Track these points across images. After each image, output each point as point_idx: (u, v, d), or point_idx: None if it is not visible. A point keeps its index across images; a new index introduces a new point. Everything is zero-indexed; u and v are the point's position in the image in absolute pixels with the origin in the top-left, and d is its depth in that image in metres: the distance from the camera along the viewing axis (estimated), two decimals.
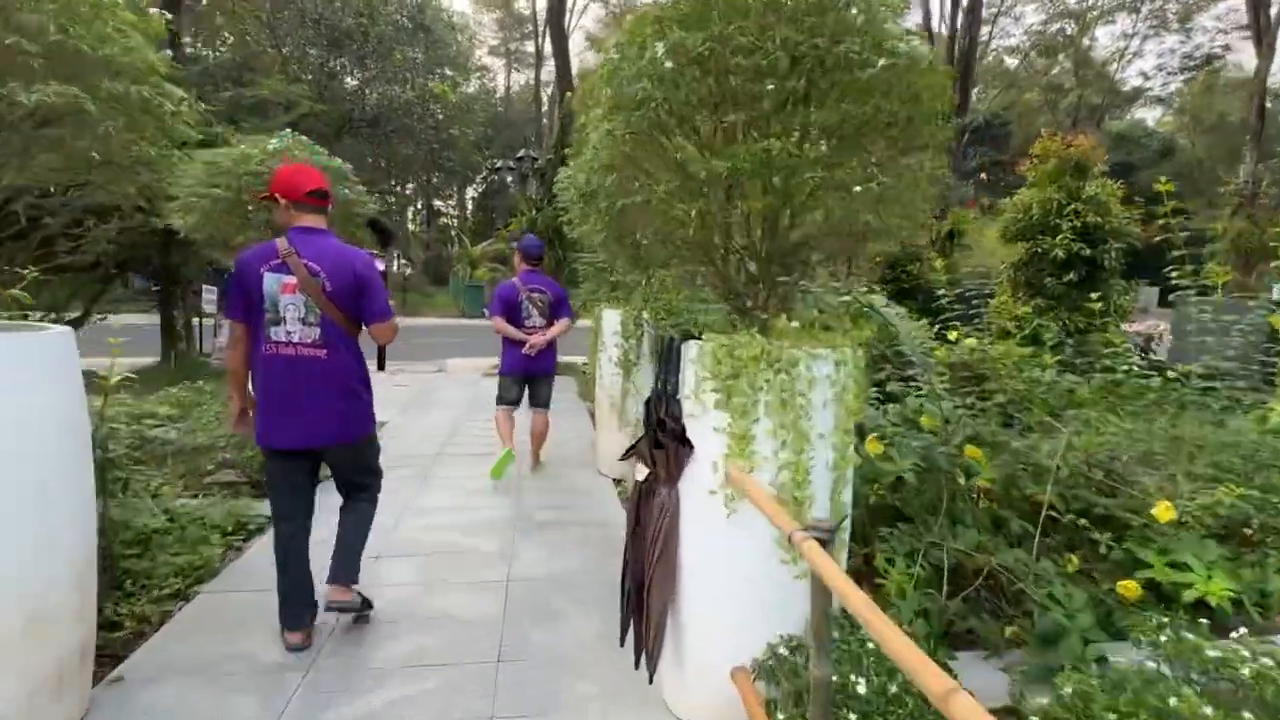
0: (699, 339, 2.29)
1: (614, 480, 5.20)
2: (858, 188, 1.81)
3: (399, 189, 36.79)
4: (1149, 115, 38.54)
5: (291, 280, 2.55)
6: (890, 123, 1.92)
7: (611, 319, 5.19)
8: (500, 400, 5.12)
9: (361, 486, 2.96)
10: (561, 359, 5.74)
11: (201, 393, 5.80)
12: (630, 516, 2.37)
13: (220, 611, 3.07)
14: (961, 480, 3.38)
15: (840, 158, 1.81)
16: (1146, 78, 35.42)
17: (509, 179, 12.41)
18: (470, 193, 42.79)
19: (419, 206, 44.71)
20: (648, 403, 2.43)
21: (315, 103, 22.18)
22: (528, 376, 5.07)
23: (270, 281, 2.55)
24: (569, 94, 10.89)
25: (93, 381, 2.98)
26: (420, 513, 4.32)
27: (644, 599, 2.27)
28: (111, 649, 2.74)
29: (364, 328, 2.78)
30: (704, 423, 2.18)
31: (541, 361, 5.01)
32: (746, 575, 2.16)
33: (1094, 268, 7.10)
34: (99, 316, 10.86)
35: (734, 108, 1.76)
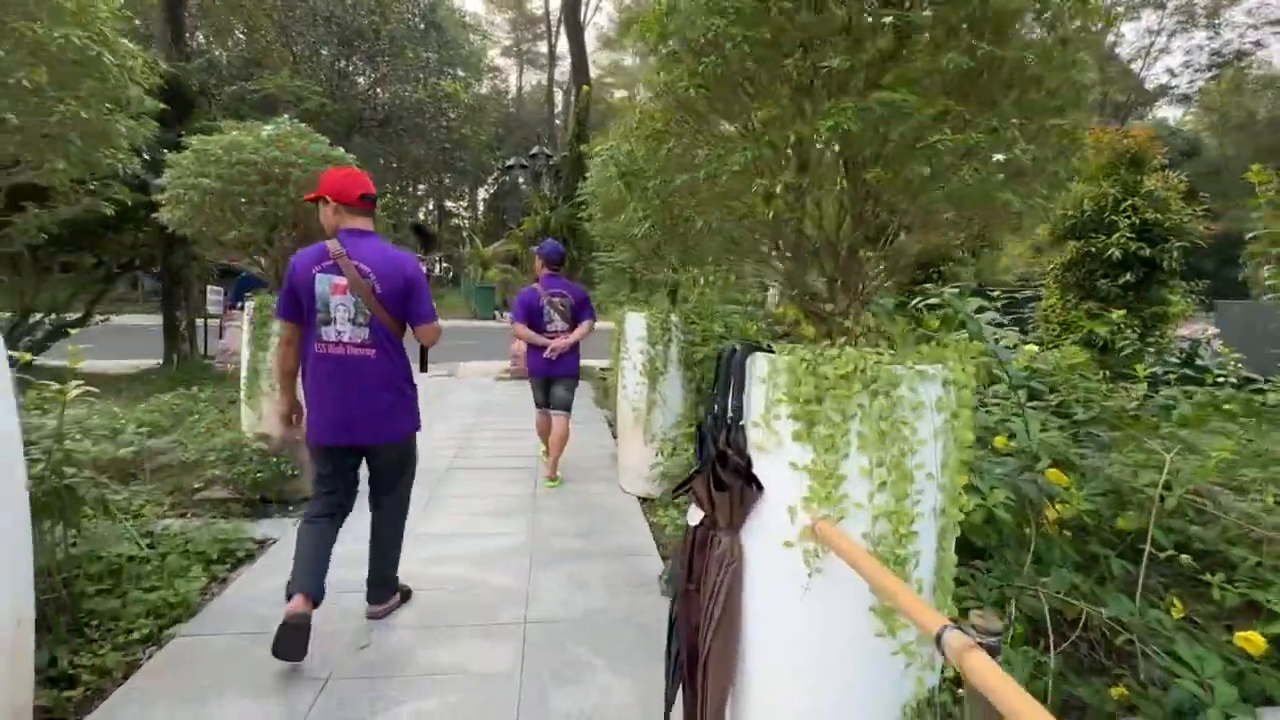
0: (767, 349, 1.84)
1: (639, 498, 4.76)
2: (999, 156, 1.36)
3: (411, 190, 36.65)
4: (1170, 114, 37.66)
5: (343, 281, 2.61)
6: (1033, 75, 1.46)
7: (635, 323, 4.75)
8: (537, 404, 5.23)
9: (395, 489, 2.98)
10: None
11: (196, 400, 5.42)
12: (680, 568, 1.92)
13: (194, 661, 2.65)
14: (1051, 512, 2.92)
15: (974, 116, 1.36)
16: (1173, 75, 34.59)
17: (521, 179, 11.97)
18: (482, 194, 42.57)
19: (430, 207, 44.71)
20: (700, 428, 1.98)
21: (326, 100, 21.93)
22: (551, 378, 5.05)
23: (322, 282, 2.60)
24: (585, 88, 10.50)
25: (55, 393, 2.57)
26: (425, 540, 3.89)
27: (698, 673, 1.83)
28: (61, 712, 2.33)
29: (408, 329, 2.84)
30: (777, 458, 1.73)
31: (564, 364, 4.99)
32: (832, 650, 1.71)
33: (1152, 268, 6.58)
34: (101, 317, 10.55)
35: (836, 49, 1.31)
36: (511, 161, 12.12)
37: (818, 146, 1.42)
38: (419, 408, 2.96)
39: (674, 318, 4.62)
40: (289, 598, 2.63)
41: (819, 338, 1.94)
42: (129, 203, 4.86)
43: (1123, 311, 6.47)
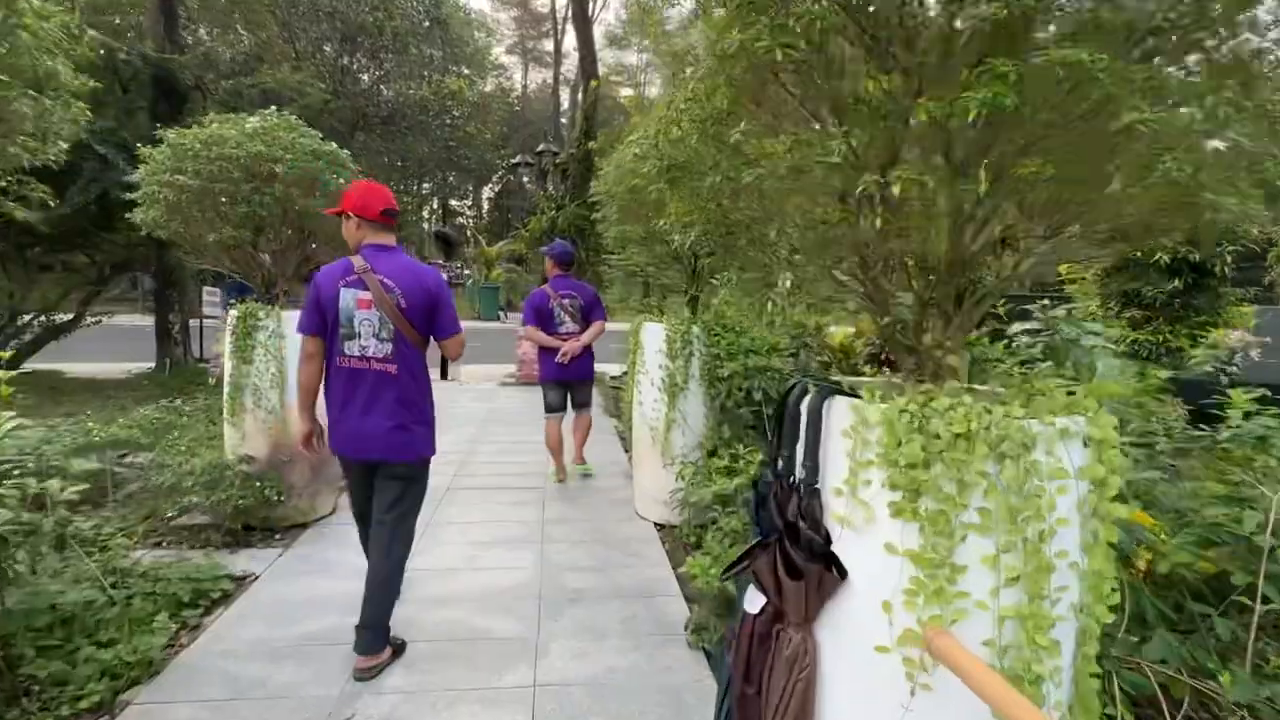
0: (848, 392, 1.45)
1: (656, 525, 4.37)
2: (1216, 143, 0.97)
3: (415, 188, 36.32)
4: None
5: (367, 296, 2.60)
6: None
7: (653, 334, 4.36)
8: (548, 409, 5.07)
9: (393, 511, 2.76)
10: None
11: (179, 413, 5.05)
12: (737, 666, 1.53)
13: None
14: (1141, 562, 2.53)
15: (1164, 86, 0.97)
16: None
17: (526, 177, 11.58)
18: (486, 192, 42.16)
19: (434, 206, 44.26)
20: (758, 487, 1.59)
21: (329, 96, 21.56)
22: (566, 383, 5.03)
23: (346, 297, 2.60)
24: (594, 82, 10.10)
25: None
26: (422, 578, 3.51)
27: None
28: None
29: (433, 342, 2.81)
30: (869, 537, 1.34)
31: (579, 368, 4.97)
32: None
33: (1201, 274, 6.16)
34: (94, 318, 10.23)
35: None
36: (517, 159, 11.74)
37: (948, 129, 1.03)
38: (435, 432, 2.85)
39: (695, 329, 4.23)
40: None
41: (906, 376, 1.55)
42: (50, 202, 4.50)
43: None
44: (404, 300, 2.63)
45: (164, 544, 3.84)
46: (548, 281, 5.05)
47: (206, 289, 11.00)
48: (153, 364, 10.16)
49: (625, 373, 7.52)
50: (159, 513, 3.74)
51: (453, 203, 44.46)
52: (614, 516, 4.55)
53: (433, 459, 2.86)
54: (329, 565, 3.62)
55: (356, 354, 2.63)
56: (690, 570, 2.87)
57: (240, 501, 3.72)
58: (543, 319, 4.91)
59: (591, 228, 10.60)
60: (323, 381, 2.73)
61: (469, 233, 32.84)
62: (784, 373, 4.06)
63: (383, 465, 2.73)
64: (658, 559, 3.86)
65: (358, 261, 2.63)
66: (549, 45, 42.81)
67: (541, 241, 10.30)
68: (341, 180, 4.12)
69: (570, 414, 5.22)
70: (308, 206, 3.97)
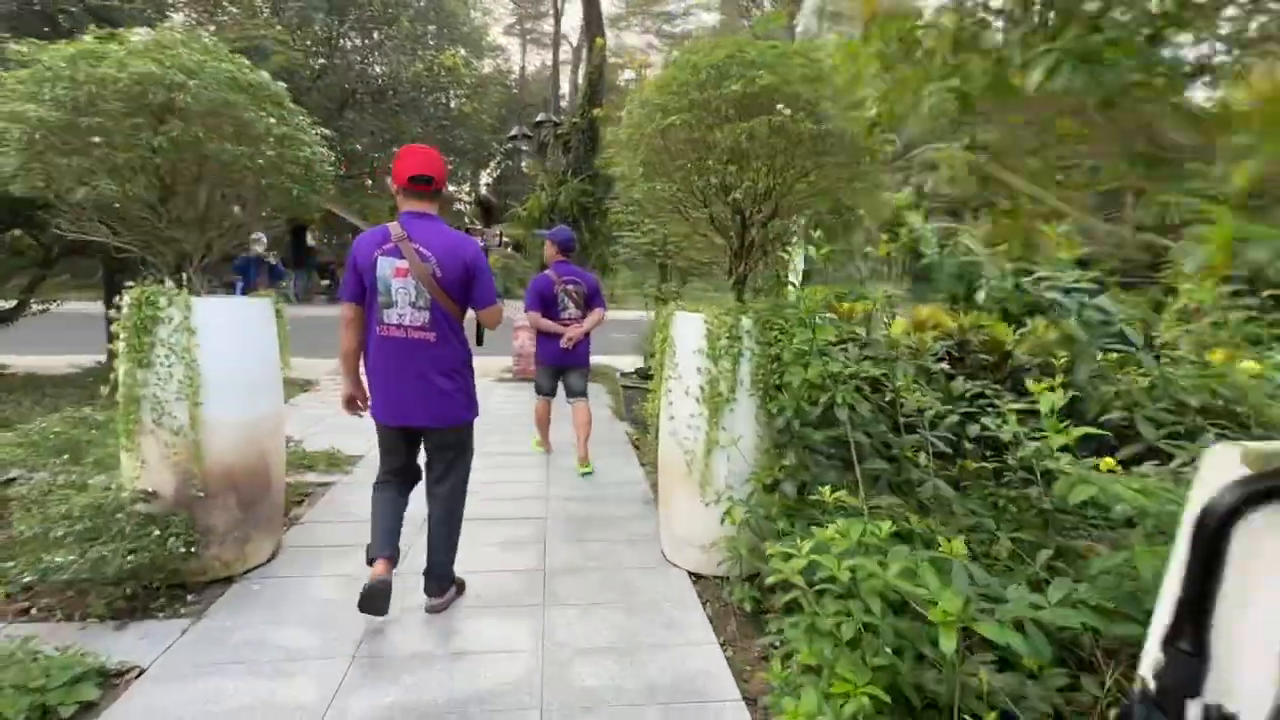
0: None
1: (691, 575, 3.37)
2: None
3: None
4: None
5: (404, 265, 2.58)
6: None
7: (689, 329, 3.33)
8: (540, 391, 5.23)
9: (449, 478, 2.91)
10: (591, 360, 5.34)
11: (89, 426, 4.02)
12: None
13: None
14: None
15: None
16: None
17: (524, 150, 10.49)
18: (485, 177, 41.04)
19: None
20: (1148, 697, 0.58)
21: (317, 69, 20.36)
22: (563, 367, 5.04)
23: (384, 265, 2.59)
24: (599, 41, 9.00)
25: None
26: (376, 670, 2.50)
27: None
28: None
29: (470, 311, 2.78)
30: None
31: (578, 353, 4.98)
32: None
33: None
34: (40, 305, 9.17)
35: None
36: (515, 131, 10.65)
37: None
38: (477, 395, 2.92)
39: (745, 322, 3.20)
40: (370, 562, 2.78)
41: None
42: None
43: None
44: (440, 270, 2.60)
45: (33, 610, 2.84)
46: (548, 267, 4.96)
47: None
48: (103, 357, 9.10)
49: (639, 370, 6.48)
50: (5, 577, 2.71)
51: (451, 188, 43.64)
52: (636, 561, 3.55)
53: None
54: (253, 649, 2.61)
55: (394, 322, 2.62)
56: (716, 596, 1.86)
57: (129, 558, 2.70)
58: (546, 304, 4.86)
59: (597, 206, 9.55)
60: (365, 350, 2.71)
61: (466, 219, 31.74)
62: (896, 387, 3.03)
63: (427, 433, 2.81)
64: (700, 633, 2.85)
65: (395, 229, 2.60)
66: (549, 26, 41.47)
67: (541, 223, 9.26)
68: (274, 122, 3.07)
69: (564, 403, 5.21)
70: (229, 155, 2.93)
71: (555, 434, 5.65)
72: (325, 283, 20.34)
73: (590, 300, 4.97)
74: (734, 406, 3.22)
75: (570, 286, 4.86)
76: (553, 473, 5.04)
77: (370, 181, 26.43)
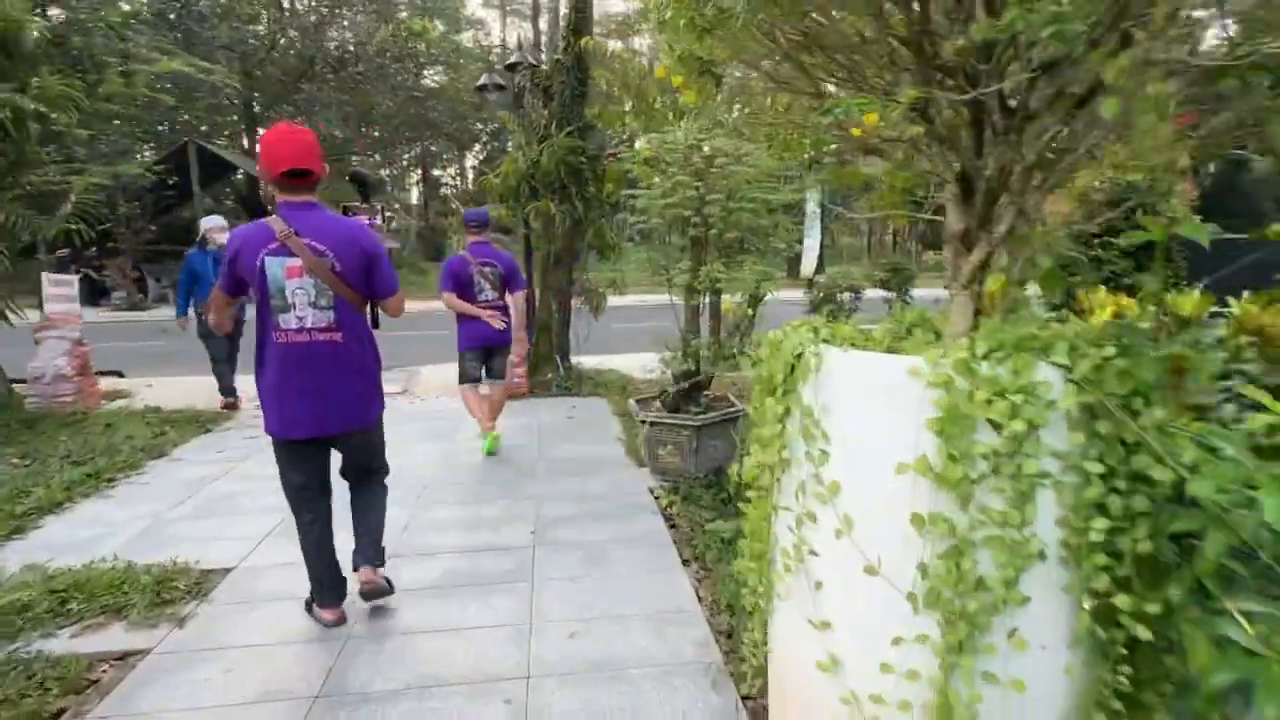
0: None
1: None
2: None
3: (394, 157, 32.78)
4: None
5: (297, 263, 2.37)
6: None
7: (876, 398, 1.31)
8: (465, 378, 4.95)
9: (373, 470, 2.83)
10: (588, 363, 5.96)
11: None
12: None
13: None
14: None
15: None
16: None
17: (492, 97, 8.34)
18: (470, 160, 38.93)
19: (417, 177, 41.43)
20: None
21: (269, 41, 18.09)
22: (489, 348, 4.89)
23: (273, 267, 2.36)
24: None
25: None
26: None
27: None
28: None
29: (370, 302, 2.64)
30: None
31: (502, 334, 4.82)
32: None
33: None
34: None
35: None
36: (483, 80, 8.50)
37: None
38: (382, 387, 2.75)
39: (1059, 382, 1.17)
40: (308, 608, 2.73)
41: None
42: None
43: None
44: (338, 262, 2.42)
45: None
46: (467, 247, 4.82)
47: (51, 275, 7.87)
48: None
49: (674, 391, 4.45)
50: None
51: (435, 172, 41.69)
52: None
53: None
54: None
55: (294, 327, 2.40)
56: None
57: None
58: (462, 286, 4.76)
59: (590, 167, 7.51)
60: (258, 361, 2.49)
61: (453, 204, 29.44)
62: None
63: (340, 438, 2.60)
64: None
65: (277, 225, 2.36)
66: None
67: (519, 192, 7.18)
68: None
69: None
70: None
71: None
72: None
73: (509, 281, 4.87)
74: (1021, 613, 1.19)
75: (486, 268, 4.76)
76: (537, 623, 3.04)
77: (333, 162, 24.18)
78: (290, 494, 2.61)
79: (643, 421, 4.18)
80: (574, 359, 7.63)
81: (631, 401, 4.52)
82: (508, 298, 4.82)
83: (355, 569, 2.70)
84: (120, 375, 8.10)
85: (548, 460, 4.82)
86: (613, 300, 7.86)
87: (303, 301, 2.38)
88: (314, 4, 20.48)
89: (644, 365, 8.72)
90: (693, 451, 4.07)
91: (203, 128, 20.17)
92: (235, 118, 21.05)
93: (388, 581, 2.79)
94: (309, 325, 2.40)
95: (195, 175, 16.36)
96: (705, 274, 3.69)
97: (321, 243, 2.38)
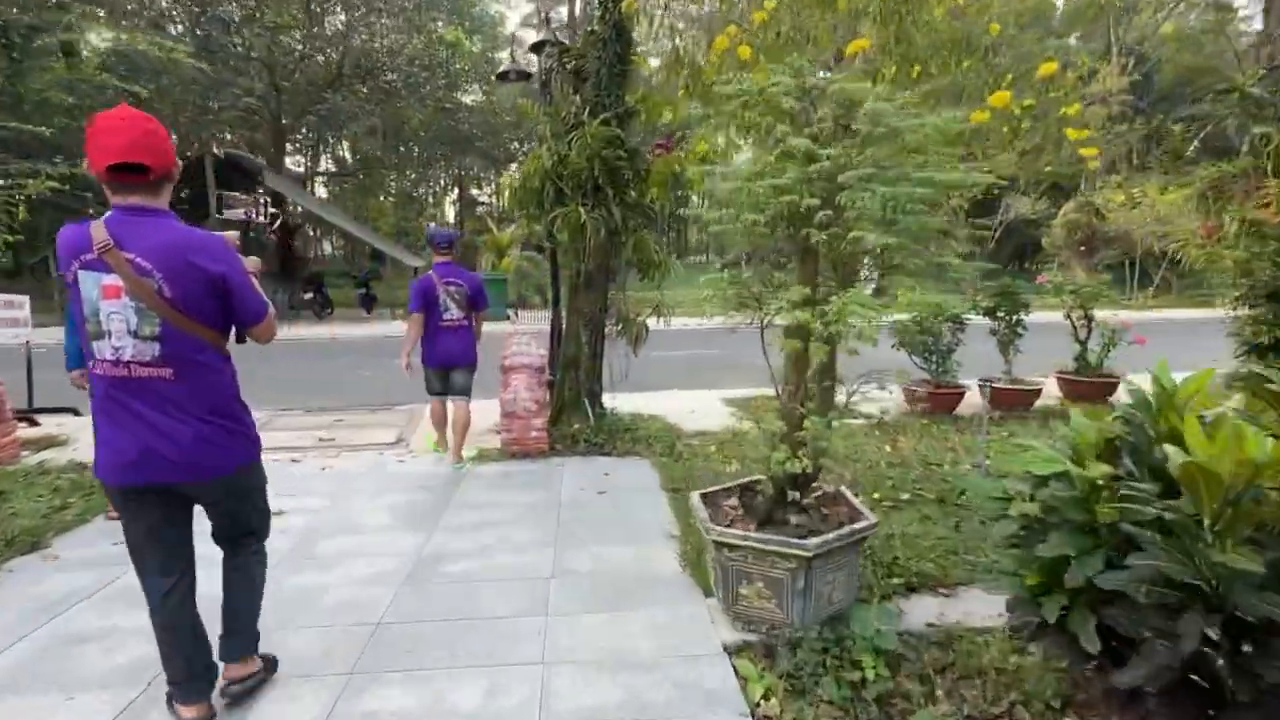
0: None
1: None
2: None
3: (429, 173, 32.18)
4: None
5: (114, 282, 1.93)
6: None
7: None
8: (431, 391, 5.22)
9: (242, 535, 2.32)
10: (623, 404, 5.61)
11: None
12: None
13: None
14: None
15: None
16: None
17: (511, 76, 6.95)
18: (508, 179, 38.52)
19: (454, 196, 41.68)
20: None
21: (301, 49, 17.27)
22: (450, 368, 5.09)
23: (87, 283, 1.94)
24: None
25: None
26: None
27: None
28: None
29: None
30: None
31: (465, 354, 5.07)
32: None
33: None
34: None
35: None
36: (505, 68, 7.15)
37: None
38: (254, 429, 2.23)
39: None
40: (168, 703, 2.23)
41: None
42: None
43: None
44: (167, 286, 1.93)
45: None
46: (433, 267, 4.99)
47: (1, 295, 6.70)
48: None
49: (745, 499, 2.86)
50: None
51: (473, 191, 41.63)
52: None
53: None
54: None
55: (110, 358, 1.95)
56: None
57: None
58: (429, 305, 4.91)
59: (630, 163, 6.06)
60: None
61: (489, 221, 28.47)
62: None
63: (193, 490, 2.11)
64: None
65: (97, 232, 1.91)
66: (566, 12, 38.16)
67: (542, 195, 5.73)
68: None
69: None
70: None
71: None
72: (308, 295, 17.21)
73: (474, 301, 5.06)
74: None
75: (452, 288, 4.95)
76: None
77: (363, 177, 23.41)
78: (133, 559, 2.16)
79: (719, 544, 2.61)
80: (607, 401, 6.12)
81: (695, 499, 2.94)
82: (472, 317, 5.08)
83: (221, 659, 2.29)
84: (76, 413, 6.87)
85: (564, 576, 3.28)
86: (659, 331, 6.34)
87: (119, 329, 1.94)
88: (344, 12, 19.69)
89: (692, 409, 7.21)
90: (798, 593, 2.49)
91: (228, 137, 19.48)
92: (258, 135, 20.37)
93: (264, 663, 2.39)
94: (127, 358, 1.96)
95: (212, 188, 15.49)
96: (843, 306, 2.11)
97: (149, 260, 1.92)
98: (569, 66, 6.15)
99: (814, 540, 2.49)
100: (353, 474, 4.97)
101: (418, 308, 4.89)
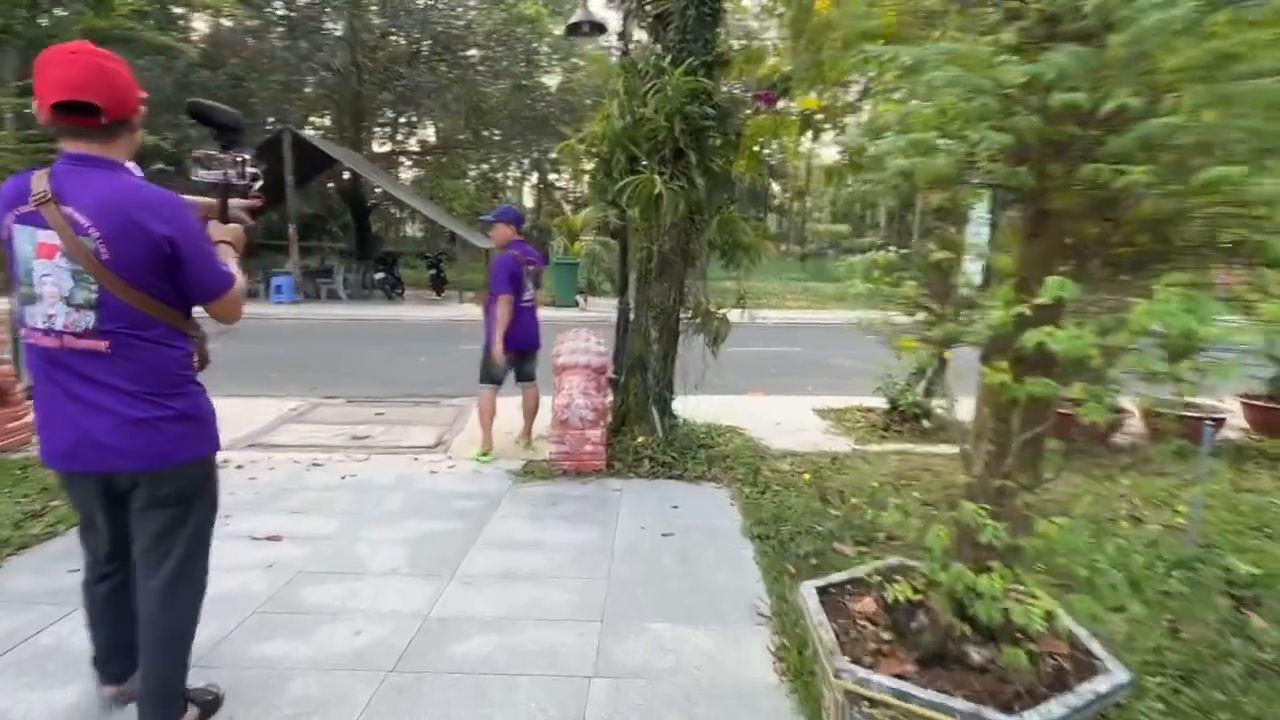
0: None
1: None
2: None
3: (509, 157, 32.06)
4: None
5: (50, 239, 1.68)
6: None
7: None
8: (491, 379, 4.78)
9: (172, 544, 1.85)
10: (694, 409, 4.98)
11: None
12: None
13: None
14: None
15: None
16: None
17: (584, 28, 6.01)
18: (587, 165, 38.16)
19: (534, 181, 41.97)
20: None
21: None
22: (528, 351, 4.86)
23: (22, 238, 1.69)
24: None
25: None
26: None
27: None
28: None
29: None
30: None
31: (538, 336, 4.90)
32: None
33: None
34: None
35: None
36: (577, 17, 6.21)
37: None
38: (211, 421, 1.89)
39: None
40: (100, 680, 2.07)
41: None
42: None
43: None
44: (105, 246, 1.64)
45: None
46: (509, 247, 4.71)
47: None
48: None
49: (896, 616, 1.82)
50: None
51: (551, 176, 41.72)
52: None
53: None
54: None
55: (41, 326, 1.71)
56: None
57: None
58: (517, 288, 4.63)
59: (718, 123, 5.03)
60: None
61: (564, 204, 27.92)
62: None
63: (124, 481, 1.80)
64: None
65: (38, 182, 1.67)
66: None
67: (611, 162, 4.78)
68: None
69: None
70: None
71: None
72: (379, 275, 16.98)
73: (539, 279, 5.01)
74: None
75: (532, 267, 4.80)
76: None
77: (443, 158, 23.19)
78: (80, 535, 1.96)
79: (857, 695, 1.59)
80: (677, 407, 5.15)
81: (810, 600, 1.92)
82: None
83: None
84: None
85: (612, 676, 2.34)
86: (745, 329, 5.30)
87: (52, 294, 1.67)
88: None
89: (778, 421, 6.12)
90: None
91: (310, 118, 19.55)
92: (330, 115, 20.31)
93: (196, 706, 2.02)
94: (59, 327, 1.69)
95: (289, 166, 15.39)
96: (1188, 314, 1.05)
97: (86, 215, 1.63)
98: (648, 8, 5.17)
99: (1031, 714, 1.43)
100: (376, 487, 4.20)
101: (506, 289, 4.56)
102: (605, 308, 15.47)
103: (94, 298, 1.68)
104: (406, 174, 31.67)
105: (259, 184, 2.06)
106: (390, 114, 22.53)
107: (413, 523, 3.64)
